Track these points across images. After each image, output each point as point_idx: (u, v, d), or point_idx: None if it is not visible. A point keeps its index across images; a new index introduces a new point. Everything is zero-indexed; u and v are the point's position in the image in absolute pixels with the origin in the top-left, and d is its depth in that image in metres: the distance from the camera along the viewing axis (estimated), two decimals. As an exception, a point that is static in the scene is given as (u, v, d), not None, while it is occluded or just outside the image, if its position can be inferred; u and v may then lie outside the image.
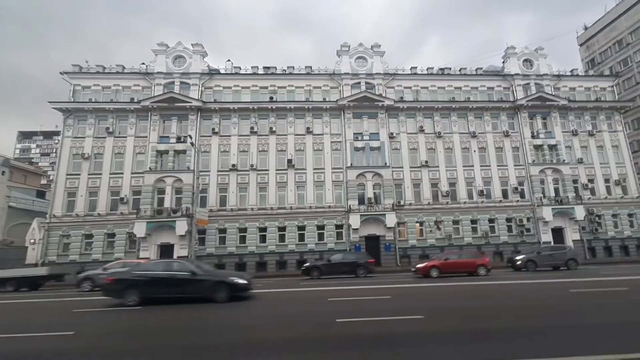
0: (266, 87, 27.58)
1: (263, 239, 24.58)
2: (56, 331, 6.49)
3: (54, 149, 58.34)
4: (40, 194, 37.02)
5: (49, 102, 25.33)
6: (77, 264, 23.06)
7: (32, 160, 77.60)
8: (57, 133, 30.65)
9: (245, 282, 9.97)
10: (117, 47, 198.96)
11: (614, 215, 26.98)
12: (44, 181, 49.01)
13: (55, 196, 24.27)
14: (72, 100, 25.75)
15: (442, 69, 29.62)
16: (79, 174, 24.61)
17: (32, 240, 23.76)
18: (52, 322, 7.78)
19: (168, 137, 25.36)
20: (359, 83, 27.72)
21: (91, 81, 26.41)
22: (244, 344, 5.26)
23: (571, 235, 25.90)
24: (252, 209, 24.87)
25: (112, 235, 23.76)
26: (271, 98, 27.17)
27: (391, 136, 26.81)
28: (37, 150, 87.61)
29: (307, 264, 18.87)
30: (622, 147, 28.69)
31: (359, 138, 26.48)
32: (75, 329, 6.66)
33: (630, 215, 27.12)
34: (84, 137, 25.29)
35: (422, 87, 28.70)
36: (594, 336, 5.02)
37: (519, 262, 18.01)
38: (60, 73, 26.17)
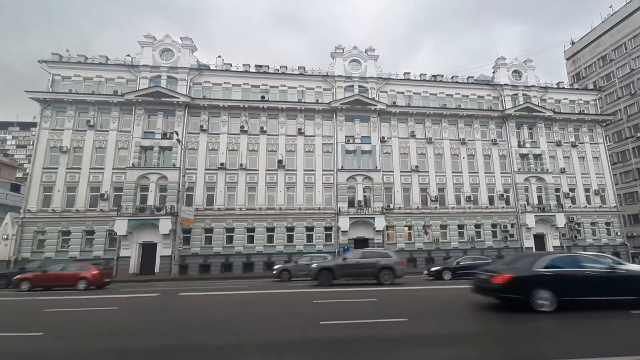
0: (258, 86, 27.07)
1: (251, 239, 24.11)
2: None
3: (31, 141, 55.65)
4: (15, 188, 35.28)
5: (26, 91, 23.99)
6: (53, 262, 22.02)
7: (8, 152, 73.97)
8: (34, 124, 29.17)
9: None
10: (100, 37, 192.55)
11: (593, 224, 27.93)
12: (19, 174, 46.69)
13: (30, 190, 23.00)
14: (50, 90, 24.46)
15: (434, 76, 29.91)
16: (57, 168, 23.42)
17: (4, 236, 22.67)
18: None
19: (153, 132, 24.48)
20: (352, 86, 27.63)
21: (72, 71, 25.19)
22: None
23: (552, 242, 26.70)
24: (240, 208, 24.34)
25: (92, 232, 22.73)
26: (263, 97, 26.69)
27: (382, 140, 26.84)
28: (13, 141, 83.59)
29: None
30: (603, 158, 29.75)
31: (351, 141, 26.37)
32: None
33: (607, 223, 28.14)
34: (63, 130, 24.08)
35: (414, 93, 28.89)
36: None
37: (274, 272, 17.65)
38: (39, 61, 24.79)
